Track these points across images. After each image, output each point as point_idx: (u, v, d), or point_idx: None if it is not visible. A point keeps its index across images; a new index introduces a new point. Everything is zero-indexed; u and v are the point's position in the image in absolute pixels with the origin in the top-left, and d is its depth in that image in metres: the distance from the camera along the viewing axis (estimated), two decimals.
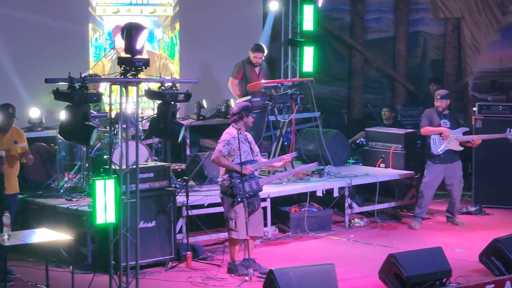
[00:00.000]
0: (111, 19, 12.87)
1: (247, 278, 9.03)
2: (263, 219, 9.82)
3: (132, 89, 8.27)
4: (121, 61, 8.11)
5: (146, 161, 10.56)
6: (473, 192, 12.79)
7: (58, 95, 7.77)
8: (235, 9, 14.14)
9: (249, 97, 11.51)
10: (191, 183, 10.93)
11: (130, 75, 8.06)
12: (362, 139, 13.95)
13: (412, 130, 13.00)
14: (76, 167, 10.79)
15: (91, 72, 11.67)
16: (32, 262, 9.53)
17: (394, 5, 16.40)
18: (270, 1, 14.25)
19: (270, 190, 10.85)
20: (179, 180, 11.07)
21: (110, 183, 7.93)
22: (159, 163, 10.19)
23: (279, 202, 11.32)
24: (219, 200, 9.66)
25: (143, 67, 8.06)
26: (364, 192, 12.17)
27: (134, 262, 8.28)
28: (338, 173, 11.95)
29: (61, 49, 12.21)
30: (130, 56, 8.00)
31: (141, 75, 8.18)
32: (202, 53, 13.71)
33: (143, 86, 9.36)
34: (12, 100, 9.89)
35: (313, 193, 11.39)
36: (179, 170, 11.65)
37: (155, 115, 8.46)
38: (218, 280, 9.13)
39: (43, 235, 8.36)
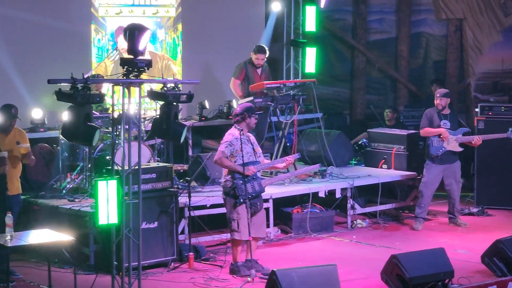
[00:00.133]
0: (114, 20, 12.88)
1: (249, 279, 9.03)
2: (266, 220, 9.82)
3: (135, 90, 8.28)
4: (123, 62, 8.12)
5: (149, 162, 10.57)
6: (475, 193, 12.78)
7: (61, 96, 7.78)
8: (237, 10, 14.15)
9: (251, 98, 11.52)
10: (193, 184, 10.92)
11: (133, 76, 8.07)
12: (365, 140, 13.96)
13: (414, 131, 12.99)
14: (78, 168, 10.79)
15: (93, 73, 11.70)
16: (35, 263, 9.54)
17: (396, 6, 16.40)
18: (272, 2, 14.26)
19: (272, 191, 10.86)
20: (181, 181, 11.07)
21: (113, 184, 7.94)
22: (161, 164, 10.19)
23: (281, 203, 11.33)
24: (222, 201, 9.66)
25: (146, 68, 8.06)
26: (367, 193, 12.16)
27: (137, 263, 8.29)
28: (340, 174, 11.95)
29: (63, 50, 12.22)
30: (132, 57, 8.00)
31: (144, 76, 8.18)
32: (205, 54, 13.71)
33: (146, 87, 9.37)
34: (15, 100, 9.89)
35: (315, 194, 11.39)
36: (181, 171, 11.66)
37: (158, 116, 8.48)
38: (221, 281, 9.13)
39: (46, 236, 8.36)
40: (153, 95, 8.45)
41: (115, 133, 8.42)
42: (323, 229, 11.33)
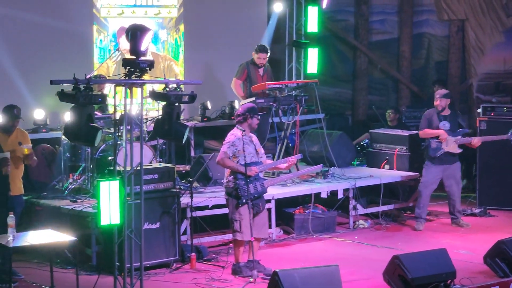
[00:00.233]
0: (116, 21, 12.88)
1: (251, 279, 9.03)
2: (268, 221, 9.83)
3: (137, 91, 8.28)
4: (125, 62, 8.12)
5: (151, 163, 10.57)
6: (478, 193, 12.76)
7: (63, 96, 7.79)
8: (239, 10, 14.15)
9: (253, 99, 11.52)
10: (195, 184, 10.92)
11: (135, 77, 8.07)
12: (367, 141, 13.95)
13: (416, 132, 12.96)
14: (80, 169, 10.80)
15: (95, 73, 11.70)
16: (37, 263, 9.54)
17: (398, 6, 16.40)
18: (274, 2, 14.26)
19: (274, 191, 10.85)
20: (183, 181, 11.06)
21: (115, 184, 7.93)
22: (163, 165, 10.19)
23: (283, 204, 11.33)
24: (224, 202, 9.67)
25: (148, 68, 8.07)
26: (369, 194, 12.16)
27: (139, 264, 8.29)
28: (342, 174, 11.95)
29: (65, 51, 12.23)
30: (134, 57, 8.00)
31: (146, 77, 8.19)
32: (207, 54, 13.72)
33: (148, 88, 9.39)
34: (17, 101, 9.89)
35: (317, 195, 11.39)
36: (184, 171, 11.65)
37: (160, 117, 8.47)
38: (223, 281, 9.13)
39: (48, 237, 8.37)
40: (155, 96, 8.45)
41: (117, 134, 8.42)
42: (325, 229, 11.33)
